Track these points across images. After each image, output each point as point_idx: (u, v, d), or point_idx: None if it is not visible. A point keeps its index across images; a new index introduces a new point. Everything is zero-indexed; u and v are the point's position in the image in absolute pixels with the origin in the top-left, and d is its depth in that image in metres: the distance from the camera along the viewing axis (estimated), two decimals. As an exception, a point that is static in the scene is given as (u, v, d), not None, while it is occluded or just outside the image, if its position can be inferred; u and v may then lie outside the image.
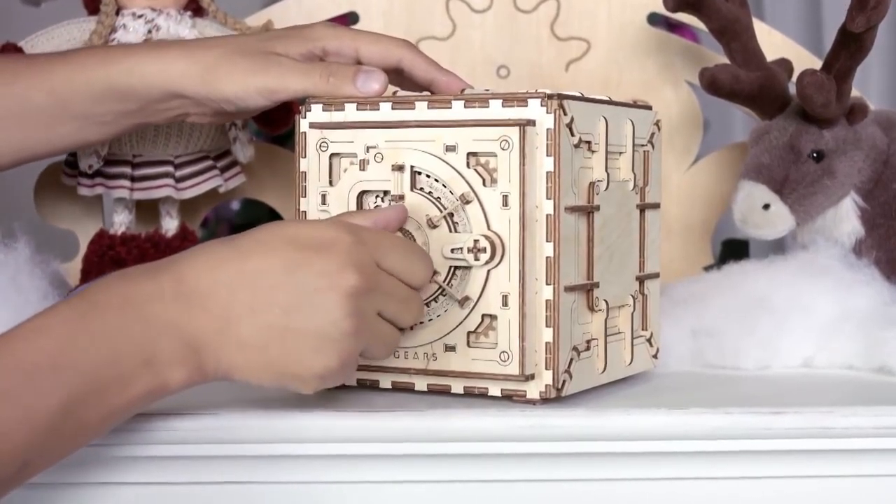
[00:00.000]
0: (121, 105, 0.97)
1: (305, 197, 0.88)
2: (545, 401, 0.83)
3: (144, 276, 0.75)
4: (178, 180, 1.14)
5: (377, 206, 0.86)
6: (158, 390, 0.74)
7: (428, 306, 0.84)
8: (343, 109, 0.87)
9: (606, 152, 0.87)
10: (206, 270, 0.75)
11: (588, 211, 0.85)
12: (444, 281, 0.84)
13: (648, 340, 0.93)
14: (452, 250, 0.83)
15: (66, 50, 1.07)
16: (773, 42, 1.21)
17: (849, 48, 1.03)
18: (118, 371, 0.72)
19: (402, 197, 0.85)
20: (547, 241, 0.82)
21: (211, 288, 0.74)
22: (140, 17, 1.11)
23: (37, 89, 0.96)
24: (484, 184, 0.83)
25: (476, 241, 0.82)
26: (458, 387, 0.85)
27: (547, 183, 0.82)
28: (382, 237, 0.80)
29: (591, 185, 0.85)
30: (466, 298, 0.83)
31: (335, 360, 0.76)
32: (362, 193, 0.86)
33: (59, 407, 0.69)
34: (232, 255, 0.76)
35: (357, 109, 0.87)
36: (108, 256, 1.14)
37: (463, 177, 0.83)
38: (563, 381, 0.83)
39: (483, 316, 0.83)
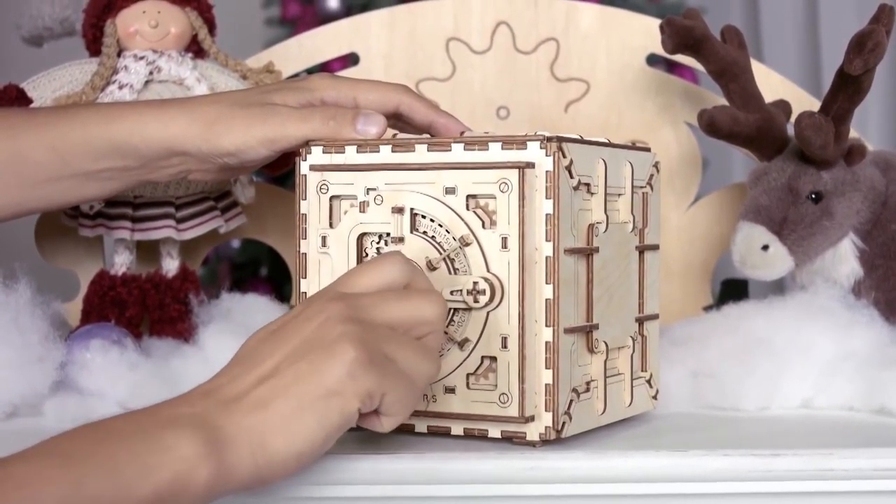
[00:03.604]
0: (121, 162, 0.97)
1: (306, 239, 0.88)
2: (545, 442, 0.83)
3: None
4: (179, 221, 1.14)
5: (378, 247, 0.86)
6: (186, 484, 0.69)
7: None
8: (343, 152, 0.88)
9: (605, 194, 0.87)
10: (213, 378, 0.75)
11: (587, 253, 0.85)
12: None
13: (648, 381, 0.94)
14: (452, 292, 0.83)
15: (67, 105, 1.07)
16: (771, 84, 1.22)
17: (847, 90, 1.04)
18: (135, 458, 0.69)
19: (401, 239, 0.85)
20: (546, 283, 0.82)
21: (219, 384, 0.74)
22: (142, 58, 1.12)
23: (37, 146, 0.97)
24: (483, 226, 0.83)
25: (475, 284, 0.82)
26: (457, 428, 0.85)
27: (546, 225, 0.82)
28: (339, 278, 0.80)
29: (591, 227, 0.86)
30: (466, 340, 0.83)
31: (349, 351, 0.73)
32: (362, 235, 0.87)
33: (72, 492, 0.66)
34: (228, 363, 0.76)
35: (357, 152, 0.87)
36: (108, 297, 1.14)
37: (462, 219, 0.83)
38: (563, 423, 0.83)
39: (483, 358, 0.83)
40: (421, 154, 0.85)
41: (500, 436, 0.83)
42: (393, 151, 0.86)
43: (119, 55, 1.13)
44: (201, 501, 0.71)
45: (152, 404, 0.74)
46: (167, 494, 0.69)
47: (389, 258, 0.80)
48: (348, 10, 2.27)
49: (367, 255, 0.87)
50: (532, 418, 0.83)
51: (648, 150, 0.94)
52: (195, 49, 1.15)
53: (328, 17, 2.23)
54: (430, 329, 0.79)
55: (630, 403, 0.91)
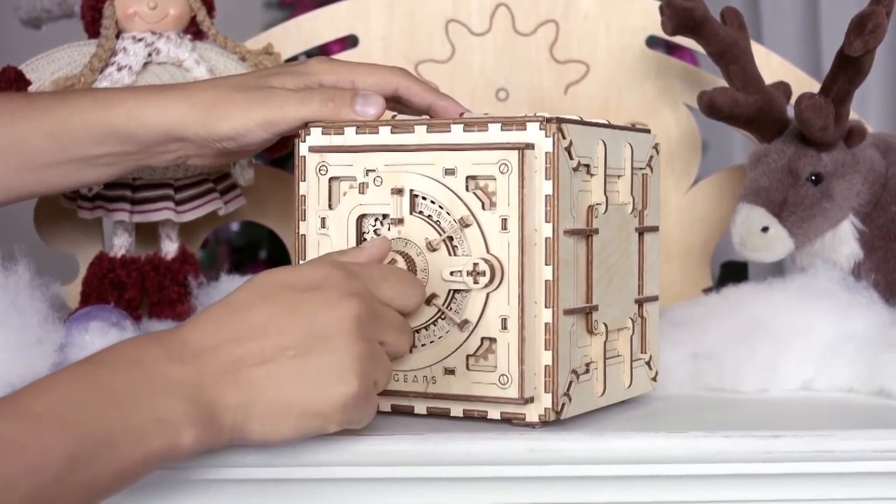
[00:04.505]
0: (120, 148, 0.97)
1: (305, 220, 0.88)
2: (544, 424, 0.83)
3: (150, 341, 0.75)
4: (178, 203, 1.14)
5: (376, 228, 0.86)
6: (173, 449, 0.72)
7: (427, 329, 0.85)
8: (342, 133, 0.88)
9: (605, 175, 0.87)
10: (211, 330, 0.75)
11: (587, 234, 0.85)
12: (443, 304, 0.84)
13: (647, 363, 0.94)
14: (451, 273, 0.83)
15: (66, 90, 1.07)
16: (771, 65, 1.22)
17: (847, 71, 1.03)
18: (129, 428, 0.70)
19: (401, 220, 0.85)
20: (546, 264, 0.82)
21: (218, 344, 0.74)
22: (140, 40, 1.12)
23: (35, 131, 0.96)
24: (483, 207, 0.83)
25: (475, 265, 0.82)
26: (457, 410, 0.85)
27: (546, 206, 0.82)
28: (372, 268, 0.81)
29: (590, 208, 0.86)
30: (466, 322, 0.83)
31: (354, 386, 0.75)
32: (361, 217, 0.87)
33: (66, 460, 0.68)
34: (232, 312, 0.76)
35: (356, 133, 0.87)
36: (108, 279, 1.14)
37: (462, 200, 0.83)
38: (563, 404, 0.83)
39: (482, 339, 0.83)
40: (420, 135, 0.85)
41: (499, 417, 0.83)
42: (392, 133, 0.86)
43: (118, 37, 1.13)
44: (177, 462, 0.74)
45: (142, 342, 0.74)
46: (155, 459, 0.72)
47: (417, 289, 0.82)
48: (347, -7, 2.26)
49: (365, 237, 0.87)
50: (531, 399, 0.83)
51: (648, 131, 0.94)
52: (194, 31, 1.15)
53: (327, 0, 2.22)
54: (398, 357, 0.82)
55: (629, 385, 0.91)
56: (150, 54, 1.12)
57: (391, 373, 0.81)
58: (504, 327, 0.82)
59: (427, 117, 0.96)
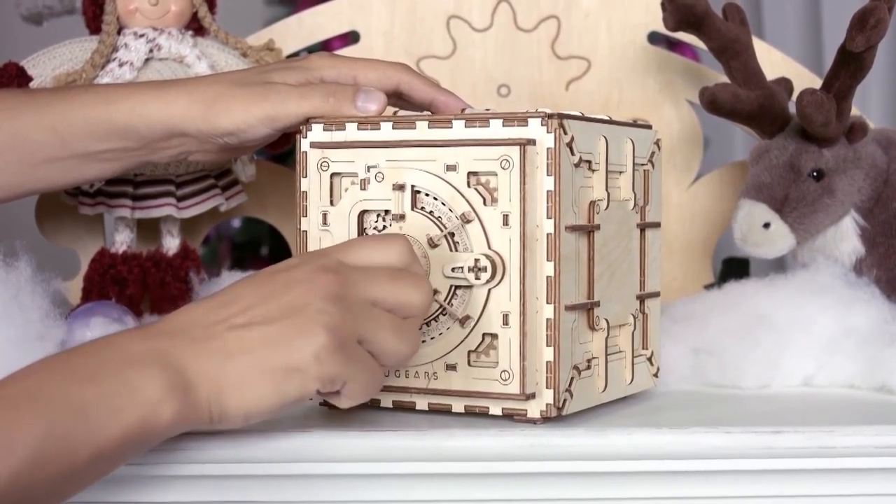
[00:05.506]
0: (121, 143, 0.97)
1: (306, 216, 0.88)
2: (546, 420, 0.83)
3: (124, 330, 0.76)
4: (180, 199, 1.14)
5: (376, 224, 0.86)
6: (151, 423, 0.71)
7: (428, 325, 0.85)
8: (344, 129, 0.88)
9: (607, 171, 0.87)
10: (185, 312, 0.76)
11: (588, 230, 0.85)
12: (444, 300, 0.84)
13: (649, 359, 0.94)
14: (453, 269, 0.83)
15: (68, 86, 1.07)
16: (773, 61, 1.22)
17: (848, 67, 1.03)
18: (102, 399, 0.70)
19: (402, 216, 0.85)
20: (548, 260, 0.82)
21: (192, 321, 0.75)
22: (142, 36, 1.12)
23: (36, 126, 0.96)
24: (484, 203, 0.83)
25: (477, 261, 0.82)
26: (458, 406, 0.85)
27: (547, 202, 0.82)
28: (342, 244, 0.81)
29: (592, 204, 0.86)
30: (467, 317, 0.83)
31: (322, 336, 0.74)
32: (363, 213, 0.87)
33: (42, 437, 0.67)
34: (208, 297, 0.77)
35: (358, 129, 0.87)
36: (109, 275, 1.14)
37: (463, 196, 0.83)
38: (564, 401, 0.83)
39: (484, 335, 0.83)
40: (422, 131, 0.85)
41: (500, 413, 0.83)
42: (394, 128, 0.86)
43: (119, 33, 1.13)
44: (160, 440, 0.73)
45: (113, 334, 0.75)
46: (132, 435, 0.71)
47: (394, 240, 0.81)
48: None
49: (366, 234, 0.87)
50: (533, 396, 0.83)
51: (650, 127, 0.94)
52: (195, 27, 1.15)
53: (328, -5, 2.22)
54: (412, 314, 0.80)
55: (631, 381, 0.91)
56: (151, 50, 1.12)
57: (376, 375, 0.78)
58: (505, 323, 0.82)
59: (428, 113, 0.96)
